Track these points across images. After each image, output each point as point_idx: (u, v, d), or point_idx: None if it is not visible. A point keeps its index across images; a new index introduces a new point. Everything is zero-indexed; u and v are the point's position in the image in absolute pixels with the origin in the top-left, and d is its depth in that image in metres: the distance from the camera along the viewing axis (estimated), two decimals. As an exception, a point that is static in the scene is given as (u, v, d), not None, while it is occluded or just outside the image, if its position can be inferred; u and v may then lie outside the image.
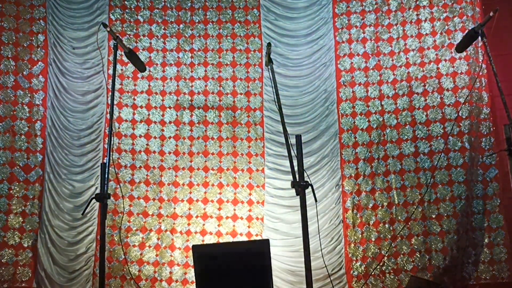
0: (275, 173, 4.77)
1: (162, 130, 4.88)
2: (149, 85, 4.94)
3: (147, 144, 4.84)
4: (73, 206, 4.68)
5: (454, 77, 4.63)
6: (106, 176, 2.83)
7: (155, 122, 4.89)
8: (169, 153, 4.83)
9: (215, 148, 4.85)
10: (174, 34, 5.03)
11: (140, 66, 3.51)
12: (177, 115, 4.90)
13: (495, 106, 4.46)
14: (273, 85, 2.88)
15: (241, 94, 4.95)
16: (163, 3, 5.07)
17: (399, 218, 4.53)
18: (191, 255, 4.37)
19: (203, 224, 4.69)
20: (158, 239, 4.65)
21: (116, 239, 4.60)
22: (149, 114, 4.90)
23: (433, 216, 4.47)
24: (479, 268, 4.28)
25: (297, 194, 2.57)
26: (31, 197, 4.68)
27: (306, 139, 4.76)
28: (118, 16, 5.03)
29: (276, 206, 4.70)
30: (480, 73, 4.49)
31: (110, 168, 2.85)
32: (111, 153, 2.93)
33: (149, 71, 4.92)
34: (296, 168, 2.60)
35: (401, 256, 4.47)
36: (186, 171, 4.79)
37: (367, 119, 4.79)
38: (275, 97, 2.87)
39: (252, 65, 4.99)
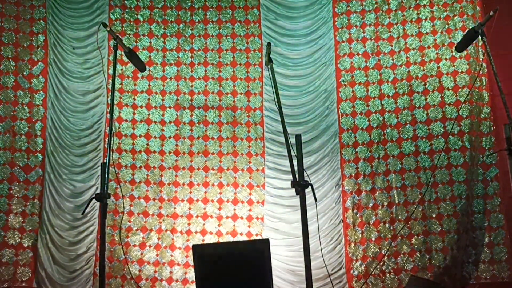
0: (275, 172, 4.77)
1: (162, 130, 4.88)
2: (149, 85, 4.95)
3: (147, 144, 4.85)
4: (74, 206, 4.69)
5: (454, 76, 4.63)
6: (106, 176, 2.83)
7: (155, 122, 4.89)
8: (169, 153, 4.83)
9: (215, 148, 4.85)
10: (174, 33, 5.03)
11: (140, 66, 3.51)
12: (177, 114, 4.90)
13: (495, 106, 4.46)
14: (273, 85, 2.88)
15: (241, 93, 4.94)
16: (163, 2, 5.07)
17: (399, 217, 4.53)
18: (191, 254, 4.37)
19: (203, 224, 4.69)
20: (158, 239, 4.65)
21: (116, 239, 4.60)
22: (149, 114, 4.90)
23: (434, 215, 4.46)
24: (479, 267, 4.28)
25: (297, 194, 2.56)
26: (31, 197, 4.69)
27: (306, 139, 4.76)
28: (118, 15, 5.03)
29: (276, 206, 4.70)
30: (481, 72, 4.49)
31: (110, 168, 2.85)
32: (111, 153, 2.93)
33: (149, 70, 4.92)
34: (296, 168, 2.60)
35: (401, 255, 4.46)
36: (186, 171, 4.79)
37: (367, 119, 4.79)
38: (275, 96, 2.86)
39: (252, 64, 4.99)
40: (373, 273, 4.44)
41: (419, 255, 4.42)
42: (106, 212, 2.84)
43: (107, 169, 2.81)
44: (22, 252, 4.58)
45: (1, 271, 4.49)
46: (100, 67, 4.88)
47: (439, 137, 4.57)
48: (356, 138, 4.78)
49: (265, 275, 3.30)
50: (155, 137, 4.86)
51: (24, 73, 4.88)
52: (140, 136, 4.86)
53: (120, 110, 4.87)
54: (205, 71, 4.98)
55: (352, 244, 4.55)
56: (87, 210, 4.53)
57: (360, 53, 4.91)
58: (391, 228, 4.52)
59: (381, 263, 4.45)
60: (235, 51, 5.01)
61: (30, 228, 4.63)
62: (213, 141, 4.86)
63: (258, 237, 4.62)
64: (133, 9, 5.05)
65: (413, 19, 4.82)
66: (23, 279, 4.54)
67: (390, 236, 4.50)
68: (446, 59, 4.67)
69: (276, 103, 2.84)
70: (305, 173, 2.60)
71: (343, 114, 4.84)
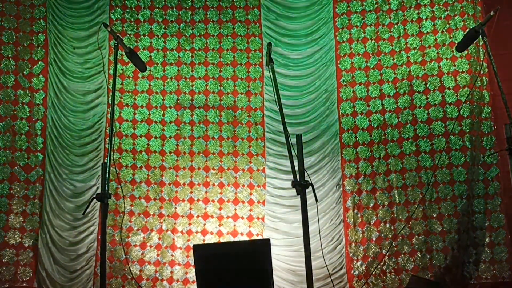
0: (276, 172, 4.77)
1: (163, 129, 4.88)
2: (149, 85, 4.94)
3: (148, 144, 4.84)
4: (74, 206, 4.69)
5: (455, 76, 4.62)
6: (107, 176, 2.83)
7: (155, 122, 4.89)
8: (170, 152, 4.83)
9: (216, 147, 4.85)
10: (175, 33, 5.03)
11: (140, 65, 3.50)
12: (177, 114, 4.90)
13: (496, 105, 4.45)
14: (273, 85, 2.88)
15: (241, 93, 4.94)
16: (163, 2, 5.06)
17: (400, 217, 4.53)
18: (192, 254, 4.37)
19: (204, 224, 4.69)
20: (159, 238, 4.65)
21: (117, 239, 4.60)
22: (149, 114, 4.90)
23: (434, 215, 4.46)
24: (480, 267, 4.28)
25: (297, 194, 2.57)
26: (32, 196, 4.68)
27: (307, 139, 4.75)
28: (119, 15, 5.03)
29: (277, 206, 4.70)
30: (481, 72, 4.49)
31: (111, 168, 2.85)
32: (112, 153, 2.93)
33: (150, 70, 4.91)
34: (296, 168, 2.61)
35: (402, 255, 4.46)
36: (187, 171, 4.79)
37: (367, 119, 4.78)
38: (276, 96, 2.86)
39: (253, 64, 4.99)
40: (373, 273, 4.44)
41: (419, 255, 4.42)
42: (107, 212, 2.84)
43: (108, 169, 2.82)
44: (22, 252, 4.57)
45: (2, 271, 4.48)
46: (100, 67, 4.87)
47: (440, 136, 4.57)
48: (357, 138, 4.78)
49: (265, 275, 3.30)
50: (155, 137, 4.86)
51: (24, 72, 4.87)
52: (141, 136, 4.86)
53: (120, 110, 4.87)
54: (206, 71, 4.98)
55: (353, 244, 4.55)
56: (87, 210, 4.52)
57: (360, 53, 4.90)
58: (392, 228, 4.52)
59: (381, 263, 4.44)
60: (236, 51, 5.01)
61: (30, 228, 4.63)
62: (214, 141, 4.86)
63: (259, 237, 4.62)
64: (133, 9, 5.04)
65: (413, 19, 4.82)
66: (24, 279, 4.53)
67: (390, 236, 4.50)
68: (446, 58, 4.66)
69: (277, 103, 2.85)
70: (305, 173, 2.60)
71: (343, 114, 4.84)
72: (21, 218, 4.62)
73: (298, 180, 2.57)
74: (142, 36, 5.00)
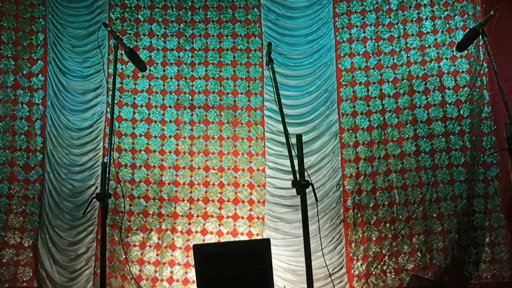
0: (276, 172, 4.77)
1: (163, 129, 4.87)
2: (149, 84, 4.94)
3: (147, 143, 4.84)
4: (73, 205, 4.68)
5: (455, 76, 4.62)
6: (107, 175, 2.82)
7: (155, 121, 4.88)
8: (170, 152, 4.83)
9: (216, 147, 4.84)
10: (175, 33, 5.03)
11: (140, 65, 3.50)
12: (177, 114, 4.90)
13: (496, 105, 4.46)
14: (273, 85, 2.88)
15: (241, 93, 4.94)
16: (163, 2, 5.06)
17: (400, 217, 4.53)
18: (191, 254, 4.37)
19: (204, 224, 4.68)
20: (158, 238, 4.64)
21: (116, 239, 4.59)
22: (149, 113, 4.90)
23: (434, 215, 4.46)
24: (480, 267, 4.28)
25: (297, 194, 2.56)
26: (31, 196, 4.68)
27: (307, 139, 4.75)
28: (118, 15, 5.02)
29: (277, 206, 4.70)
30: (481, 72, 4.49)
31: (110, 168, 2.85)
32: (111, 152, 2.92)
33: (150, 70, 4.91)
34: (296, 168, 2.60)
35: (402, 255, 4.46)
36: (187, 171, 4.79)
37: (367, 119, 4.78)
38: (276, 96, 2.86)
39: (253, 64, 4.99)
40: (374, 273, 4.44)
41: (420, 255, 4.42)
42: (107, 212, 2.83)
43: (108, 168, 2.81)
44: (22, 252, 4.57)
45: (2, 271, 4.48)
46: (99, 66, 4.87)
47: (440, 136, 4.57)
48: (357, 138, 4.77)
49: (265, 275, 3.29)
50: (155, 137, 4.85)
51: (24, 72, 4.86)
52: (140, 135, 4.85)
53: (120, 109, 4.86)
54: (206, 70, 4.98)
55: (353, 244, 4.55)
56: (87, 210, 4.51)
57: (360, 53, 4.90)
58: (392, 228, 4.52)
59: (382, 263, 4.44)
60: (236, 51, 5.01)
61: (30, 228, 4.62)
62: (214, 141, 4.85)
63: (259, 237, 4.62)
64: (133, 8, 5.04)
65: (413, 19, 4.82)
66: (24, 279, 4.53)
67: (391, 236, 4.50)
68: (446, 58, 4.67)
69: (277, 103, 2.84)
70: (305, 173, 2.60)
71: (343, 114, 4.84)
72: (21, 218, 4.62)
73: (298, 180, 2.57)
74: (142, 36, 5.00)
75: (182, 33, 5.03)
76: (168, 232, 4.66)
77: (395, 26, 4.86)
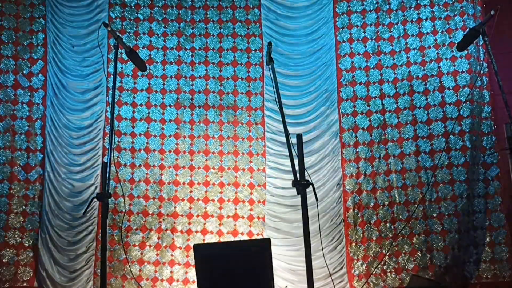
0: (276, 172, 4.76)
1: (162, 128, 4.87)
2: (149, 83, 4.93)
3: (147, 143, 4.83)
4: (73, 205, 4.67)
5: (455, 76, 4.63)
6: (108, 175, 2.82)
7: (155, 121, 4.88)
8: (169, 151, 4.82)
9: (216, 147, 4.84)
10: (175, 32, 5.02)
11: (141, 65, 3.50)
12: (177, 113, 4.89)
13: (496, 105, 4.46)
14: (274, 85, 2.88)
15: (242, 93, 4.94)
16: (163, 1, 5.05)
17: (400, 217, 4.53)
18: (191, 254, 4.37)
19: (204, 224, 4.68)
20: (158, 238, 4.64)
21: (116, 239, 4.59)
22: (149, 112, 4.89)
23: (434, 215, 4.46)
24: (480, 267, 4.28)
25: (298, 193, 2.57)
26: (32, 196, 4.68)
27: (307, 139, 4.75)
28: (118, 14, 5.02)
29: (277, 205, 4.70)
30: (481, 72, 4.49)
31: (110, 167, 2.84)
32: (111, 152, 2.92)
33: (149, 69, 4.90)
34: (297, 168, 2.60)
35: (402, 255, 4.46)
36: (187, 170, 4.78)
37: (368, 118, 4.78)
38: (276, 96, 2.86)
39: (253, 64, 4.98)
40: (374, 272, 4.44)
41: (420, 255, 4.42)
42: (107, 211, 2.83)
43: (108, 168, 2.80)
44: (23, 251, 4.56)
45: (2, 271, 4.48)
46: (99, 65, 4.86)
47: (440, 137, 4.57)
48: (357, 138, 4.77)
49: (266, 275, 3.29)
50: (155, 136, 4.85)
51: (24, 71, 4.86)
52: (140, 134, 4.85)
53: (119, 108, 4.86)
54: (206, 70, 4.97)
55: (353, 244, 4.55)
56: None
57: (361, 53, 4.90)
58: (392, 227, 4.52)
59: (382, 263, 4.44)
60: (236, 50, 5.01)
61: (30, 227, 4.62)
62: (214, 140, 4.85)
63: (259, 237, 4.62)
64: (133, 7, 5.03)
65: (413, 19, 4.82)
66: (24, 279, 4.53)
67: (391, 235, 4.50)
68: (446, 59, 4.67)
69: (277, 103, 2.84)
70: (306, 172, 2.60)
71: (344, 114, 4.84)
72: (21, 218, 4.61)
73: (298, 179, 2.57)
74: (141, 35, 4.99)
75: (182, 32, 5.02)
76: (168, 231, 4.65)
77: (395, 26, 4.86)
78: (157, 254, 4.60)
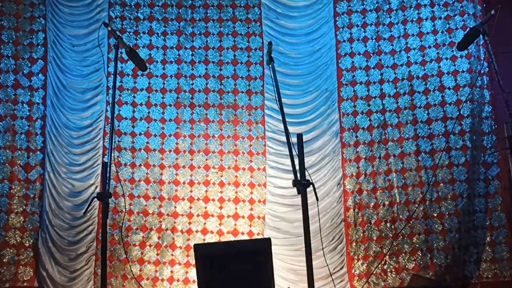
0: (277, 171, 4.76)
1: (163, 128, 4.87)
2: (149, 83, 4.93)
3: (147, 142, 4.83)
4: (73, 205, 4.67)
5: (455, 76, 4.62)
6: (108, 175, 2.81)
7: (155, 120, 4.88)
8: (170, 151, 4.82)
9: (216, 146, 4.84)
10: (175, 31, 5.02)
11: (141, 65, 3.49)
12: (177, 113, 4.89)
13: (496, 104, 4.46)
14: (274, 84, 2.88)
15: (242, 92, 4.93)
16: (163, 0, 5.05)
17: (401, 216, 4.52)
18: (192, 254, 4.37)
19: (204, 223, 4.68)
20: (158, 238, 4.64)
21: (116, 238, 4.59)
22: (149, 112, 4.89)
23: (435, 214, 4.46)
24: (481, 266, 4.28)
25: (298, 193, 2.56)
26: (32, 196, 4.68)
27: (308, 138, 4.75)
28: (118, 13, 5.01)
29: (278, 205, 4.70)
30: (482, 71, 4.48)
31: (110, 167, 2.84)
32: (112, 152, 2.92)
33: (149, 68, 4.89)
34: (297, 167, 2.60)
35: (403, 254, 4.46)
36: (187, 169, 4.78)
37: (368, 118, 4.78)
38: (276, 95, 2.86)
39: (253, 63, 4.98)
40: (374, 272, 4.44)
41: (420, 254, 4.42)
42: (108, 211, 2.83)
43: (108, 168, 2.80)
44: (23, 251, 4.56)
45: (3, 271, 4.48)
46: (99, 64, 4.86)
47: (440, 136, 4.57)
48: (357, 138, 4.77)
49: (266, 275, 3.29)
50: (155, 135, 4.85)
51: (24, 71, 4.86)
52: (140, 134, 4.85)
53: (119, 108, 4.85)
54: (206, 69, 4.97)
55: (354, 243, 4.55)
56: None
57: (361, 53, 4.90)
58: (393, 227, 4.52)
59: (382, 262, 4.44)
60: (236, 49, 5.00)
61: (31, 227, 4.62)
62: (214, 140, 4.85)
63: (260, 236, 4.61)
64: (133, 6, 5.03)
65: (414, 19, 4.81)
66: (25, 279, 4.53)
67: (391, 235, 4.50)
68: (447, 58, 4.67)
69: (277, 102, 2.84)
70: (306, 172, 2.59)
71: (344, 113, 4.84)
72: (21, 218, 4.61)
73: (298, 179, 2.56)
74: (141, 34, 4.99)
75: (182, 31, 5.02)
76: (168, 231, 4.65)
77: (396, 25, 4.85)
78: (157, 254, 4.60)
